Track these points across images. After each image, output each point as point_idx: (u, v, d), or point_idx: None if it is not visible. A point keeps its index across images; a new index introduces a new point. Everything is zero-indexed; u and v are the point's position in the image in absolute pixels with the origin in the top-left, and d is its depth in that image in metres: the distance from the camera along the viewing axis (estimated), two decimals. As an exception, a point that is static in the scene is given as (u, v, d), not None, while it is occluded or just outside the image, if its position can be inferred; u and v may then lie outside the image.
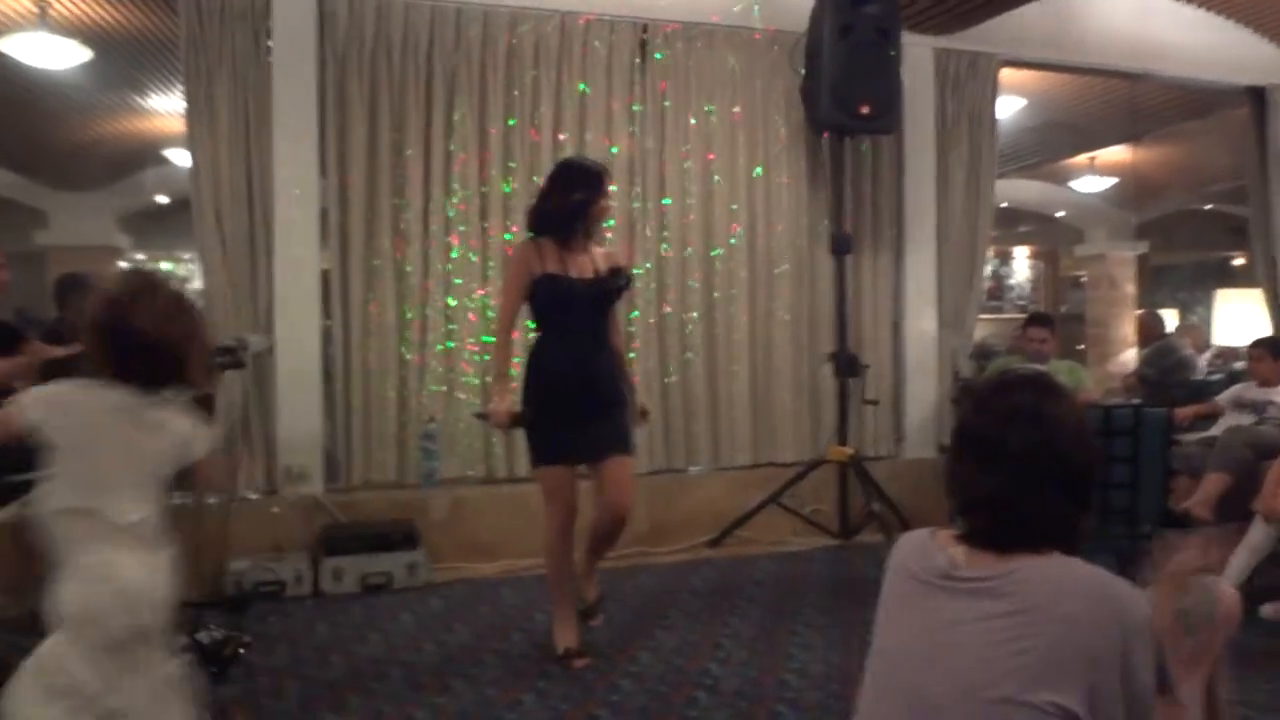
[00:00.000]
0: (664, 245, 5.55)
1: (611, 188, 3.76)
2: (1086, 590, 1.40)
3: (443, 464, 5.11)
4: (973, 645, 1.41)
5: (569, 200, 3.48)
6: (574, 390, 3.44)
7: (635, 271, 5.42)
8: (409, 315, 5.13)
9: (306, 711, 3.14)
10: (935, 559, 1.51)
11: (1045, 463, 1.47)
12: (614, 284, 3.55)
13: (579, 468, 3.54)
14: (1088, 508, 1.51)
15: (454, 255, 5.18)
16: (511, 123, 5.27)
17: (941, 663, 1.42)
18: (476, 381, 5.18)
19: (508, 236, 5.17)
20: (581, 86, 5.38)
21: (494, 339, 3.87)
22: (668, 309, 5.56)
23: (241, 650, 3.54)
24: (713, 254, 5.64)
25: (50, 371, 3.49)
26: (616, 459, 3.49)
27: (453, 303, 5.17)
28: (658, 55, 5.51)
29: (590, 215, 3.52)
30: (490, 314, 5.10)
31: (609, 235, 5.37)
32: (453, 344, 5.17)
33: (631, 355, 5.43)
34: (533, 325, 3.67)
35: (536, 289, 3.48)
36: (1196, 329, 9.11)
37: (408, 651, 3.71)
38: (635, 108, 5.48)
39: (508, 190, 5.23)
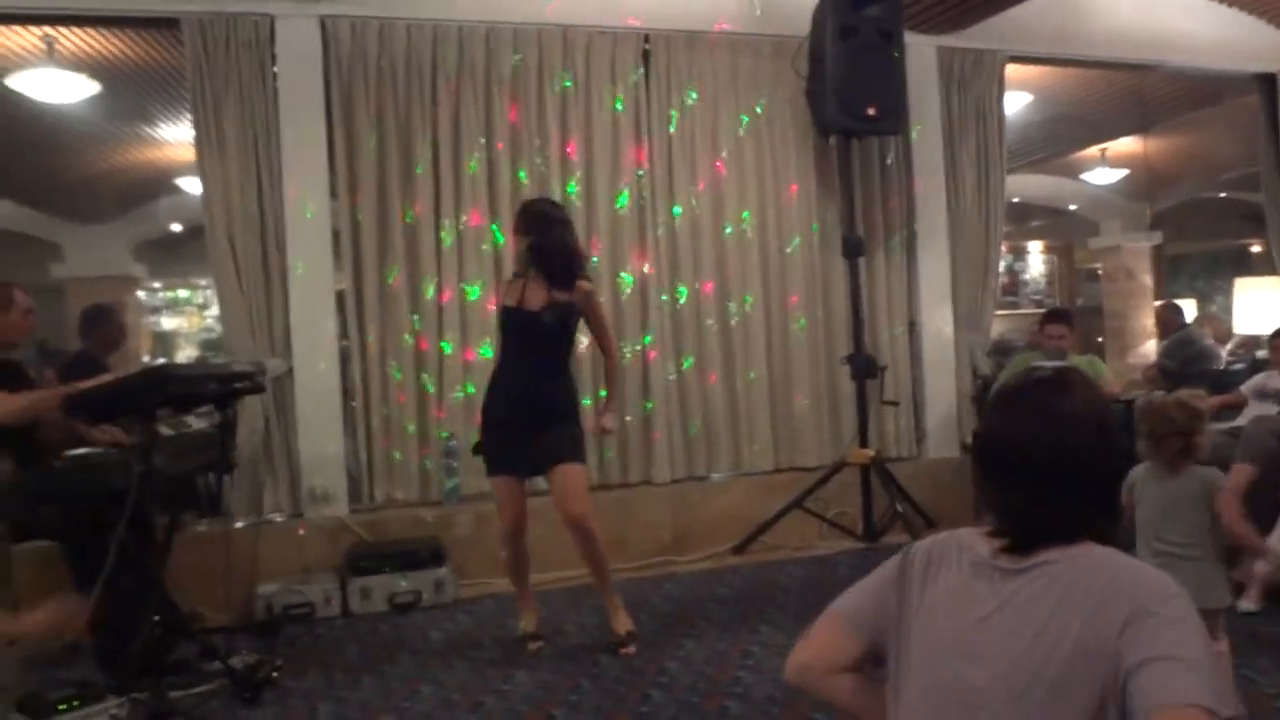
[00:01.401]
0: (676, 254, 5.55)
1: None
2: (1115, 571, 1.39)
3: (464, 480, 5.11)
4: (1011, 633, 1.40)
5: (520, 241, 3.85)
6: (518, 409, 3.78)
7: (648, 280, 5.46)
8: (425, 334, 5.15)
9: (339, 733, 3.14)
10: (978, 547, 1.50)
11: (1066, 461, 1.45)
12: (545, 317, 3.77)
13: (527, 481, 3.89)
14: (1114, 507, 1.50)
15: (466, 271, 5.19)
16: (518, 137, 5.29)
17: (983, 653, 1.41)
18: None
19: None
20: (569, 86, 5.39)
21: None
22: (682, 317, 5.56)
23: (274, 674, 3.57)
24: (724, 261, 5.64)
25: (76, 404, 3.52)
26: (562, 468, 3.76)
27: (467, 316, 5.19)
28: (661, 66, 5.52)
29: (542, 253, 3.79)
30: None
31: (621, 245, 5.41)
32: (470, 361, 5.18)
33: (649, 366, 5.45)
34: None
35: (499, 319, 3.93)
36: (1216, 318, 9.04)
37: (438, 669, 3.71)
38: (642, 116, 5.49)
39: (516, 205, 5.24)
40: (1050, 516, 1.45)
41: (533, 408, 3.77)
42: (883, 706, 1.54)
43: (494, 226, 5.23)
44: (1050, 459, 1.46)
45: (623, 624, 3.87)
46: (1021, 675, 1.37)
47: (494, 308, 5.13)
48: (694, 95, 5.58)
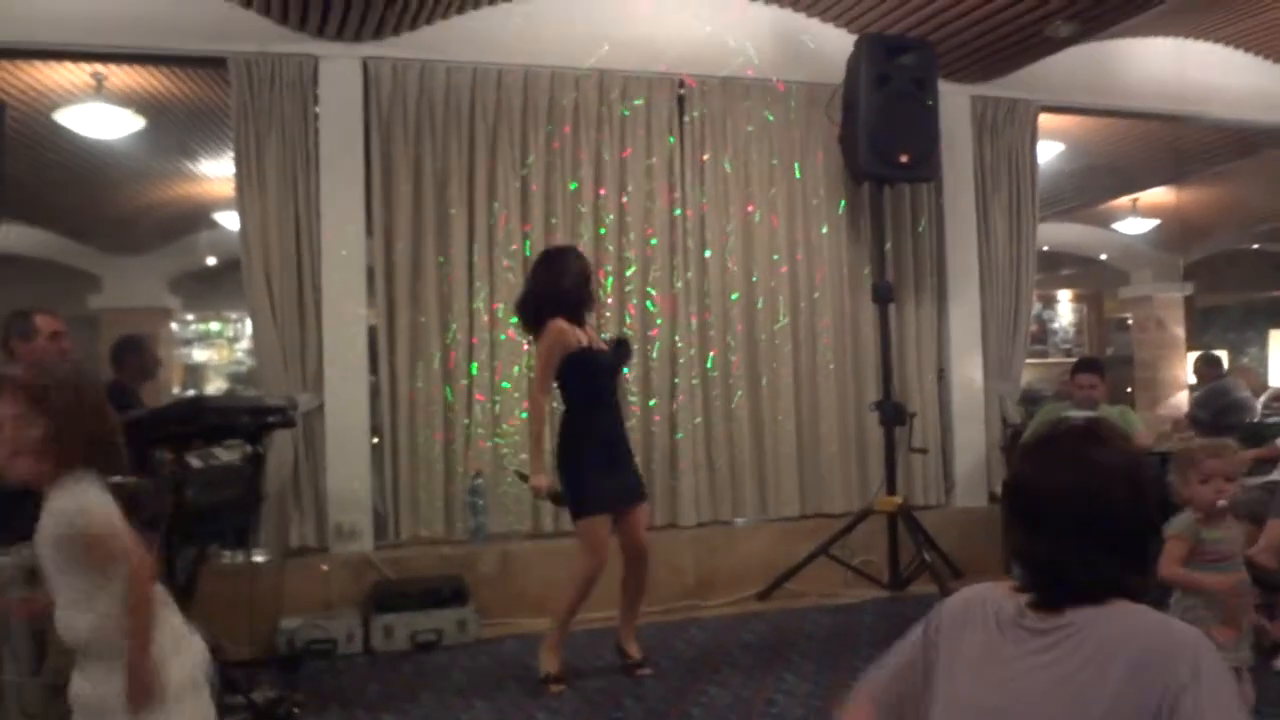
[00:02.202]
0: (706, 298, 5.57)
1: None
2: (1145, 632, 1.37)
3: (490, 519, 5.11)
4: (1041, 695, 1.38)
5: (573, 280, 3.99)
6: (613, 450, 3.96)
7: (677, 323, 5.48)
8: (454, 372, 5.18)
9: (360, 772, 3.12)
10: (1005, 605, 1.48)
11: (1096, 514, 1.43)
12: (624, 354, 4.16)
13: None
14: (1145, 564, 1.47)
15: (499, 312, 5.22)
16: (552, 180, 5.34)
17: (1011, 716, 1.39)
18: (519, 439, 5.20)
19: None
20: (620, 143, 5.45)
21: (530, 410, 4.16)
22: (711, 362, 5.56)
23: (295, 709, 3.56)
24: (755, 306, 5.65)
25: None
26: (643, 505, 4.07)
27: (497, 359, 5.21)
28: (695, 113, 5.57)
29: (590, 294, 4.07)
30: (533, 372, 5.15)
31: (651, 289, 5.44)
32: (499, 399, 5.21)
33: (676, 409, 5.45)
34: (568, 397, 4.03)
35: (572, 363, 3.90)
36: (1251, 370, 8.94)
37: (460, 709, 3.69)
38: (674, 162, 5.54)
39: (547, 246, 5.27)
40: (1079, 570, 1.42)
41: (621, 447, 4.04)
42: None
43: (525, 267, 5.25)
44: (1081, 510, 1.44)
45: (634, 647, 4.05)
46: None
47: (527, 348, 5.18)
48: (727, 140, 5.62)
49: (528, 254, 5.25)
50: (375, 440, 5.16)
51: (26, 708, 3.16)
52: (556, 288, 3.98)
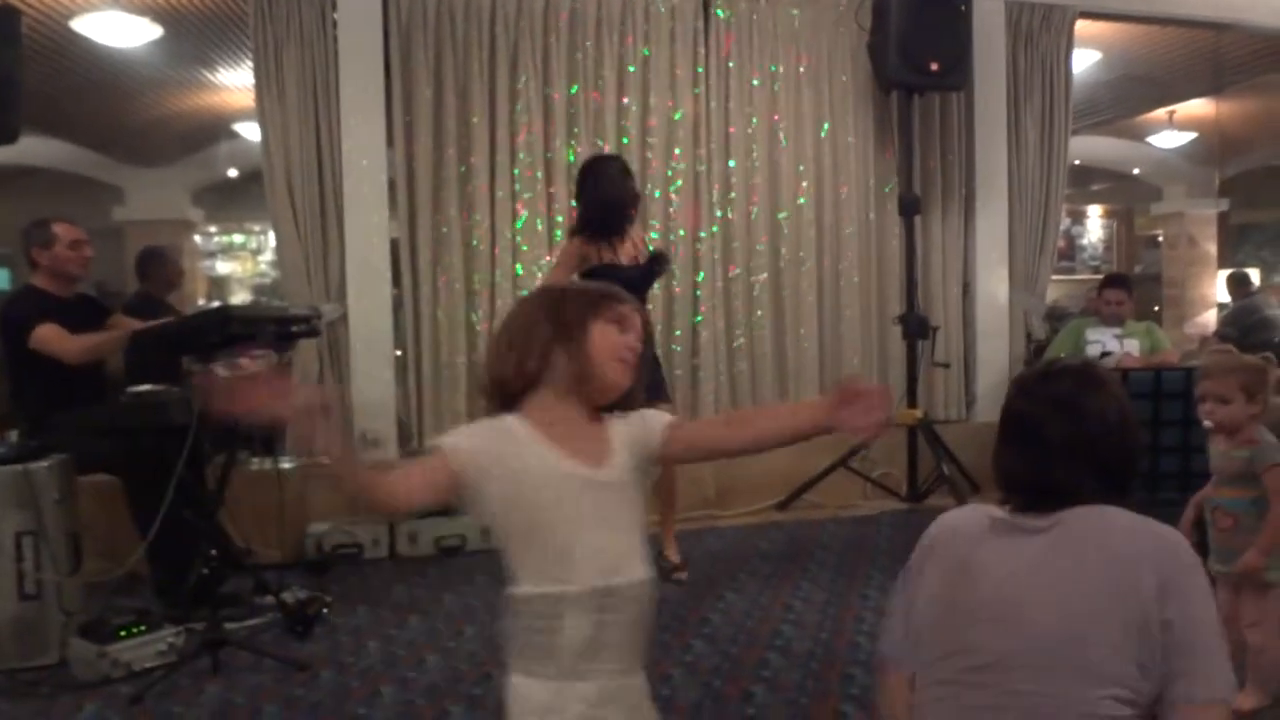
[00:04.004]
0: (729, 208, 5.51)
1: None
2: (1134, 529, 1.45)
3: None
4: (1031, 589, 1.44)
5: (608, 195, 3.94)
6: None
7: (701, 234, 5.44)
8: (477, 283, 5.18)
9: (388, 668, 3.22)
10: (995, 513, 1.56)
11: (1083, 454, 1.49)
12: (658, 268, 4.06)
13: None
14: (1127, 493, 1.53)
15: (520, 224, 5.20)
16: (574, 90, 5.26)
17: (1002, 612, 1.45)
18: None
19: (574, 203, 5.17)
20: (645, 51, 5.34)
21: None
22: (734, 272, 5.53)
23: (324, 610, 3.66)
24: (779, 216, 5.59)
25: (141, 343, 3.61)
26: (666, 406, 3.92)
27: (520, 270, 5.21)
28: (720, 13, 5.44)
29: (629, 203, 3.99)
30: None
31: (674, 199, 5.39)
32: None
33: (698, 319, 5.44)
34: None
35: (588, 277, 3.79)
36: (1282, 288, 8.80)
37: (482, 611, 3.77)
38: (699, 69, 5.43)
39: (572, 158, 5.22)
40: (1065, 481, 1.49)
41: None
42: None
43: (548, 177, 5.22)
44: (1072, 452, 1.50)
45: (676, 554, 4.08)
46: (1055, 630, 1.40)
47: (549, 259, 5.17)
48: (752, 46, 5.50)
49: (550, 162, 5.20)
50: (399, 352, 5.19)
51: (66, 605, 3.27)
52: (592, 200, 3.98)
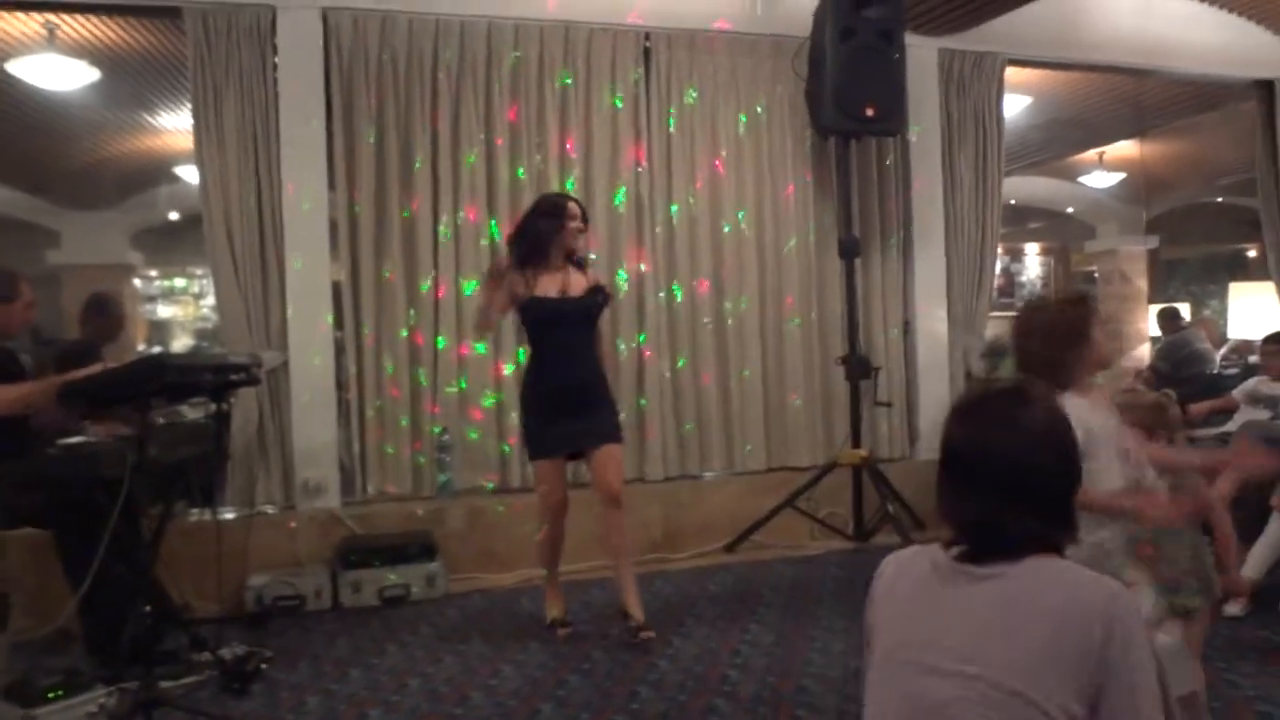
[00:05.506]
0: (673, 252, 5.56)
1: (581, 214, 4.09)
2: (1075, 586, 1.43)
3: (458, 475, 5.13)
4: (971, 640, 1.43)
5: (540, 228, 3.93)
6: (569, 395, 3.90)
7: (645, 278, 5.47)
8: (421, 327, 5.16)
9: (328, 725, 3.15)
10: (939, 557, 1.54)
11: (1025, 476, 1.48)
12: (595, 300, 4.02)
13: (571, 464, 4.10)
14: (1070, 520, 1.52)
15: (463, 266, 5.19)
16: (516, 134, 5.29)
17: (941, 661, 1.44)
18: (490, 401, 5.21)
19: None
20: (587, 96, 5.40)
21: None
22: (679, 316, 5.57)
23: (263, 665, 3.58)
24: (721, 260, 5.65)
25: (72, 394, 3.52)
26: (606, 448, 3.96)
27: (463, 311, 5.19)
28: (661, 60, 5.52)
29: (560, 240, 3.93)
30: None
31: (617, 242, 5.42)
32: (466, 355, 5.19)
33: (644, 362, 5.46)
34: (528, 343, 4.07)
35: (526, 312, 3.93)
36: (1211, 322, 9.07)
37: (426, 663, 3.72)
38: (641, 114, 5.50)
39: (514, 201, 5.24)
40: (1008, 527, 1.47)
41: (580, 392, 3.94)
42: None
43: (492, 222, 5.24)
44: (1010, 472, 1.48)
45: (636, 608, 3.97)
46: (987, 679, 1.39)
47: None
48: (693, 94, 5.59)
49: (494, 205, 5.22)
50: (348, 396, 5.13)
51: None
52: (527, 227, 3.99)
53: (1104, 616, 1.39)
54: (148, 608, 3.43)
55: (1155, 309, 9.22)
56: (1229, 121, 7.92)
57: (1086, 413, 2.19)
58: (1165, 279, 13.12)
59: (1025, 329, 2.48)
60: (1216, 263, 13.43)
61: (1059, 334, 2.39)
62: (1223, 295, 10.56)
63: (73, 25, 5.43)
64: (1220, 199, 11.34)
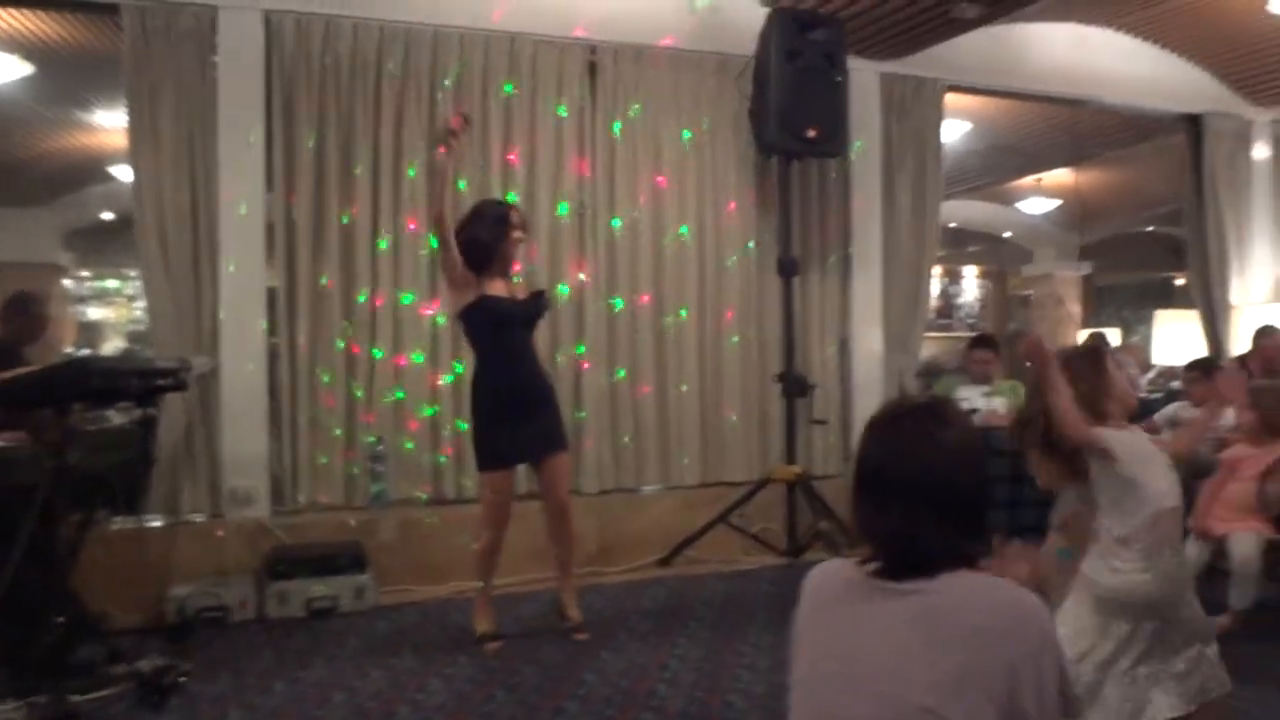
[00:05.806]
0: (614, 267, 5.57)
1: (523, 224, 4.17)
2: (993, 602, 1.45)
3: (392, 485, 5.07)
4: (888, 657, 1.44)
5: (483, 238, 3.94)
6: (520, 395, 3.94)
7: (585, 291, 5.48)
8: (356, 336, 5.10)
9: (247, 740, 3.09)
10: (856, 574, 1.54)
11: (941, 492, 1.49)
12: (539, 305, 4.12)
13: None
14: (984, 533, 1.55)
15: (401, 276, 5.15)
16: (459, 143, 5.25)
17: (858, 677, 1.45)
18: (429, 412, 5.17)
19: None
20: (530, 108, 5.39)
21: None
22: (618, 327, 5.58)
23: (182, 679, 3.50)
24: (661, 275, 5.67)
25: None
26: (556, 458, 4.03)
27: (400, 321, 5.15)
28: (606, 74, 5.54)
29: (504, 249, 3.98)
30: (439, 325, 5.15)
31: (558, 255, 5.42)
32: (402, 364, 5.14)
33: (582, 375, 5.46)
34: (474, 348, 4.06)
35: (475, 311, 3.92)
36: (1138, 348, 9.31)
37: (353, 677, 3.66)
38: (585, 127, 5.51)
39: (454, 210, 5.20)
40: (924, 542, 1.48)
41: (528, 397, 3.96)
42: None
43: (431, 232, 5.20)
44: (926, 489, 1.49)
45: (577, 613, 4.04)
46: (905, 698, 1.40)
47: (428, 313, 5.14)
48: (638, 109, 5.61)
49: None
50: (279, 404, 5.05)
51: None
52: (469, 237, 3.96)
53: (1024, 633, 1.42)
54: (61, 618, 3.34)
55: (1084, 334, 9.44)
56: (1160, 153, 8.18)
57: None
58: (1098, 304, 13.46)
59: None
60: (1147, 290, 13.81)
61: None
62: (1150, 322, 10.85)
63: (5, 18, 5.30)
64: (1151, 228, 11.68)
